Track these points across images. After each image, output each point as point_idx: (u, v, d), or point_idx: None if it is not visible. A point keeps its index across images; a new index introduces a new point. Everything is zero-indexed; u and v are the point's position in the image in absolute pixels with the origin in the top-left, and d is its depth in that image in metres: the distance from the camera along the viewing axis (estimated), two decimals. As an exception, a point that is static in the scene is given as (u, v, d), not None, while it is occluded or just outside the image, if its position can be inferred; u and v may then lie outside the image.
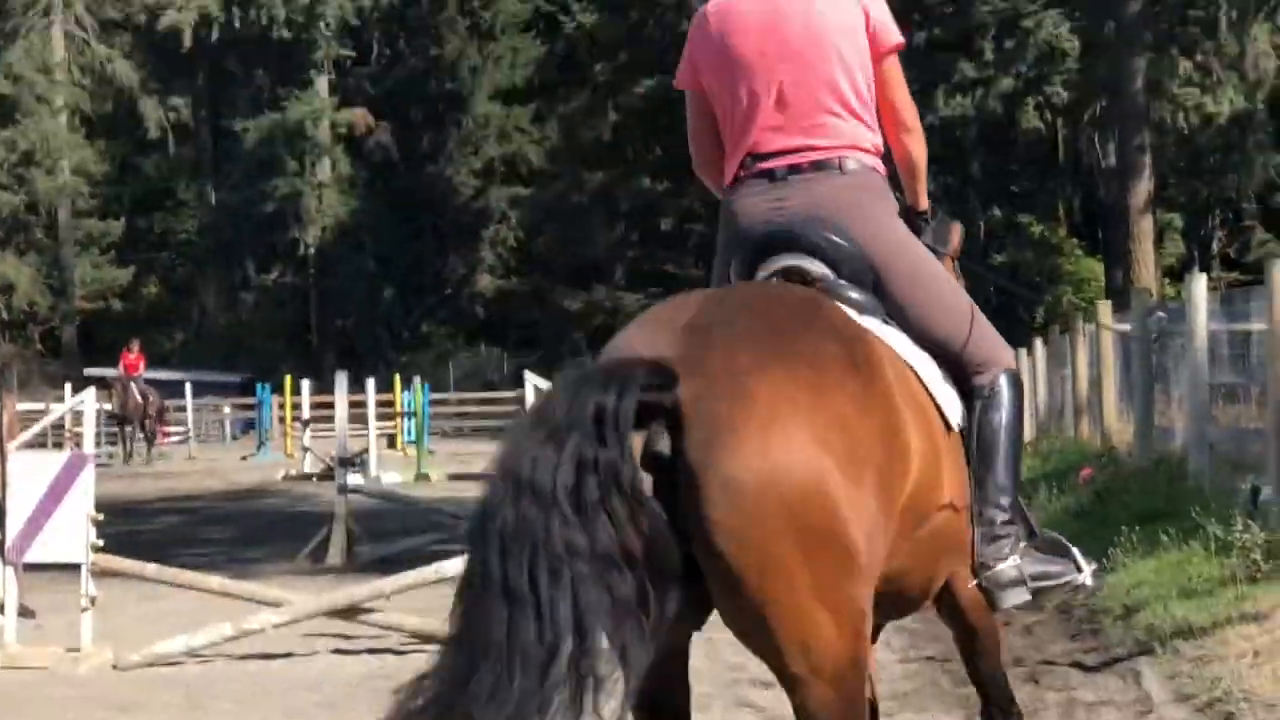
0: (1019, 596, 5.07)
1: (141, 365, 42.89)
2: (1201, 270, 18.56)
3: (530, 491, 3.87)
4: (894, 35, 5.32)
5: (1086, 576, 5.32)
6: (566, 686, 3.78)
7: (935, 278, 5.24)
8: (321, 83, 72.93)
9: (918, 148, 5.48)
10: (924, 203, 5.57)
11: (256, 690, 9.55)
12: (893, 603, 4.71)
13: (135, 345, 43.73)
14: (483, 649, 3.79)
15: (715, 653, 10.29)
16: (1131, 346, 18.69)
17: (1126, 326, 19.50)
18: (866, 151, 5.23)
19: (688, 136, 5.62)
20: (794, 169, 5.17)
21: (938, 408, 4.84)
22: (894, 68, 5.37)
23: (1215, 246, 63.42)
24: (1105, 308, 20.91)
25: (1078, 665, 9.59)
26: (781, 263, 5.06)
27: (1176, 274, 54.23)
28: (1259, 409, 14.80)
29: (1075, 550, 5.28)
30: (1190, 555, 11.09)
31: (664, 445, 3.98)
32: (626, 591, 3.83)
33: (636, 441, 3.92)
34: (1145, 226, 50.44)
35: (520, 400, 11.73)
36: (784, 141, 5.18)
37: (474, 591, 3.94)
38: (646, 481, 3.91)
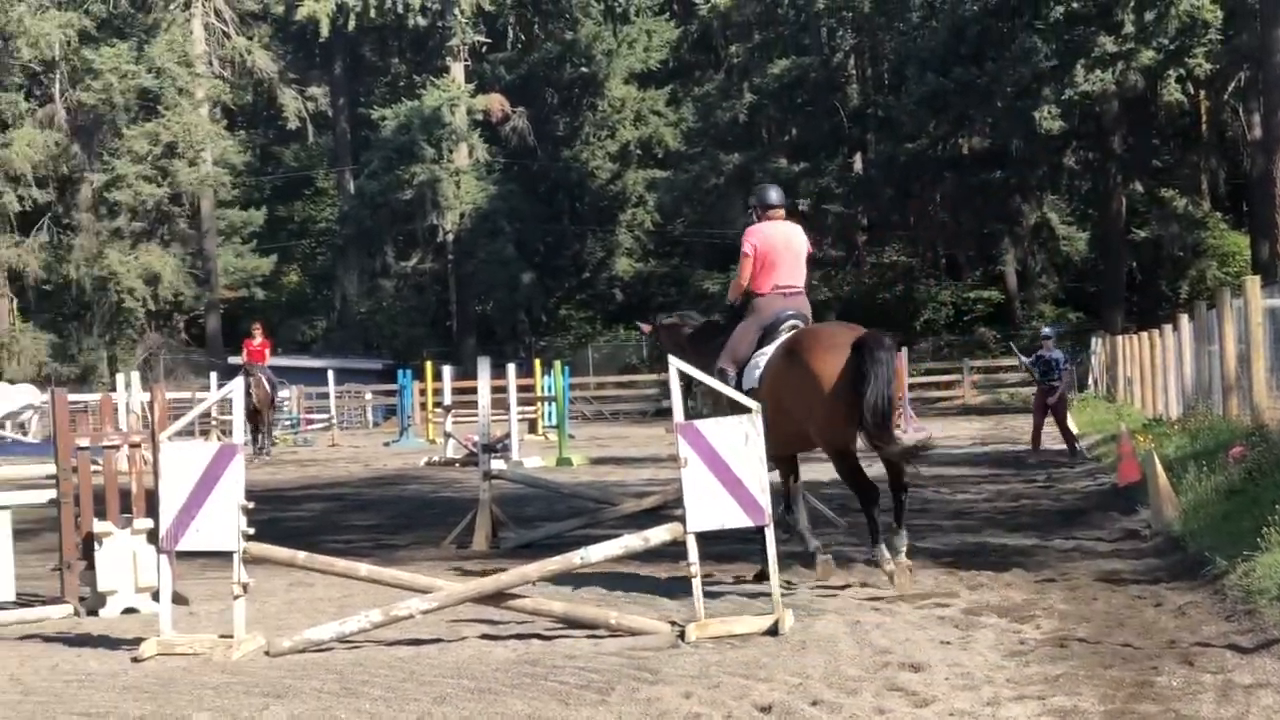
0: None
1: (266, 352, 38.53)
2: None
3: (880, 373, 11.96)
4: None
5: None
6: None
7: None
8: (457, 69, 73.33)
9: None
10: None
11: (406, 676, 9.60)
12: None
13: (258, 331, 38.74)
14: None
15: (864, 637, 10.26)
16: (1281, 322, 18.37)
17: (1277, 301, 19.18)
18: (806, 290, 13.57)
19: (750, 273, 13.40)
20: (795, 293, 13.38)
21: None
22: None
23: (1364, 218, 62.26)
24: (1254, 283, 20.53)
25: (1234, 647, 9.43)
26: (794, 318, 13.17)
27: (1324, 247, 53.31)
28: None
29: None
30: (1346, 534, 10.89)
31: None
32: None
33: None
34: (1291, 199, 49.61)
35: (664, 384, 11.72)
36: (789, 282, 13.35)
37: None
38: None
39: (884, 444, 11.94)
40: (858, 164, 71.78)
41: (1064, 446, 27.58)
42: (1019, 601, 11.58)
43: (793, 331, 12.97)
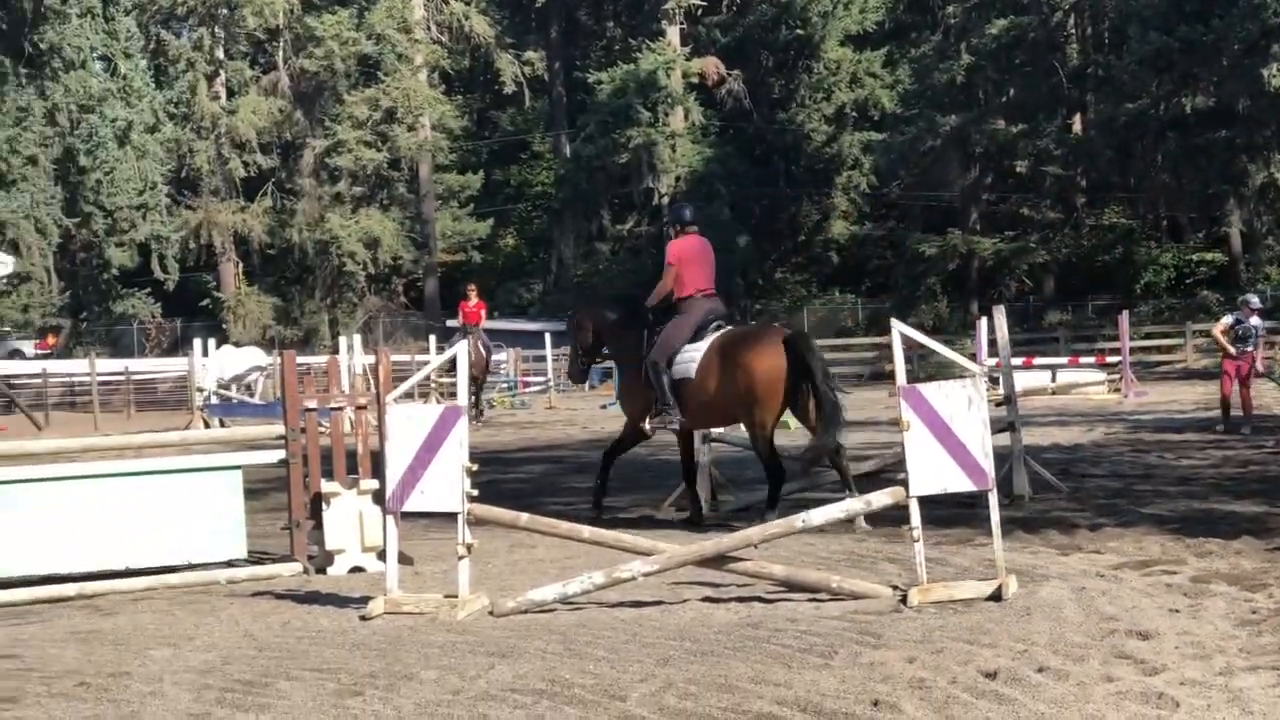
0: None
1: (482, 314, 37.91)
2: None
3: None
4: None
5: None
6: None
7: None
8: (673, 32, 73.41)
9: None
10: None
11: (629, 638, 9.65)
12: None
13: (473, 292, 37.98)
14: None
15: (1090, 604, 10.12)
16: None
17: None
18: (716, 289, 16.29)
19: (672, 281, 15.92)
20: (711, 295, 15.93)
21: None
22: None
23: None
24: None
25: None
26: (718, 319, 15.80)
27: None
28: None
29: None
30: None
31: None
32: None
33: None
34: None
35: (884, 348, 11.66)
36: (706, 285, 15.91)
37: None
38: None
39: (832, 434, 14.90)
40: (1077, 125, 70.70)
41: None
42: (1249, 570, 11.35)
43: (719, 332, 15.68)
